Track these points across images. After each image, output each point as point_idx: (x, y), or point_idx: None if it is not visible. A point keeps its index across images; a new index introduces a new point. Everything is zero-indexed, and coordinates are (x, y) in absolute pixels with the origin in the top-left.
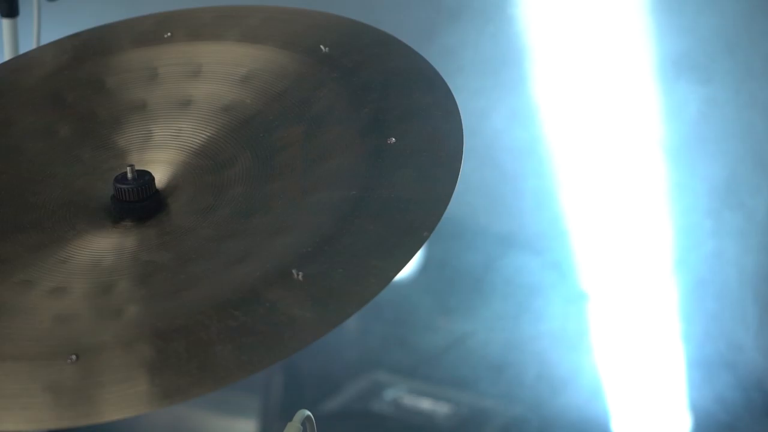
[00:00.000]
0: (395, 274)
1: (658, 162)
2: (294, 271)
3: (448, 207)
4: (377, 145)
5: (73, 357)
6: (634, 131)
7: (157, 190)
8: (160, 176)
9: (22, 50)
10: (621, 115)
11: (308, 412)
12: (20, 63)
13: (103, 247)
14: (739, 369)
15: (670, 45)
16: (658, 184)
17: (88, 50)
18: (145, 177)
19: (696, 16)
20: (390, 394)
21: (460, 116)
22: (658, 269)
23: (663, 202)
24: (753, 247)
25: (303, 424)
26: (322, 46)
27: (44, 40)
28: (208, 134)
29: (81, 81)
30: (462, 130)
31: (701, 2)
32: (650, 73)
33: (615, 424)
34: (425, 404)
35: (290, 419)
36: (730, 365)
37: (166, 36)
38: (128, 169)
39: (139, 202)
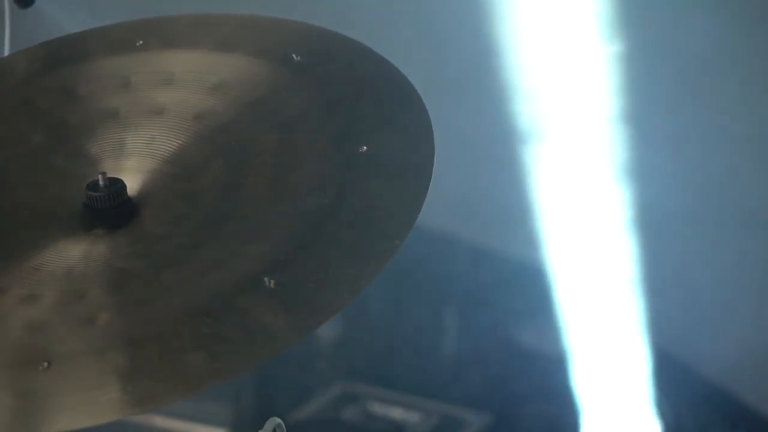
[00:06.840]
0: (367, 283)
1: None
2: (266, 279)
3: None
4: (349, 153)
5: (45, 364)
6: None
7: (129, 198)
8: (132, 184)
9: None
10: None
11: (279, 420)
12: None
13: (75, 254)
14: (707, 375)
15: None
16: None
17: (61, 58)
18: (117, 184)
19: None
20: (361, 403)
21: (431, 125)
22: (626, 272)
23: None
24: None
25: (274, 431)
26: (294, 55)
27: (15, 48)
28: (180, 142)
29: (53, 89)
30: (433, 138)
31: None
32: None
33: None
34: (396, 413)
35: (262, 428)
36: (699, 371)
37: (138, 44)
38: (100, 176)
39: (110, 210)
